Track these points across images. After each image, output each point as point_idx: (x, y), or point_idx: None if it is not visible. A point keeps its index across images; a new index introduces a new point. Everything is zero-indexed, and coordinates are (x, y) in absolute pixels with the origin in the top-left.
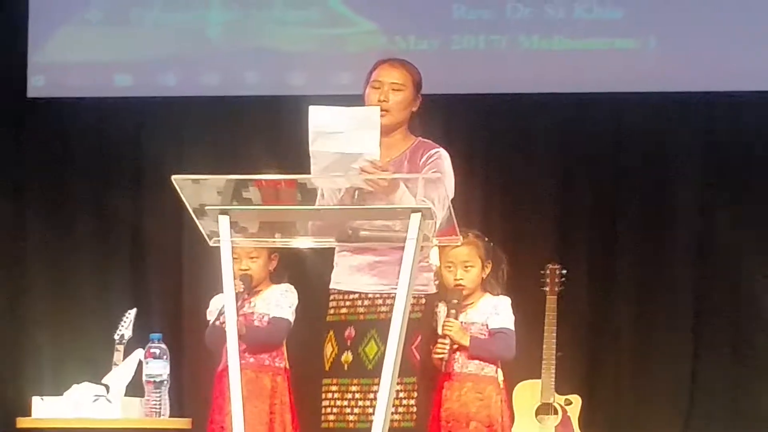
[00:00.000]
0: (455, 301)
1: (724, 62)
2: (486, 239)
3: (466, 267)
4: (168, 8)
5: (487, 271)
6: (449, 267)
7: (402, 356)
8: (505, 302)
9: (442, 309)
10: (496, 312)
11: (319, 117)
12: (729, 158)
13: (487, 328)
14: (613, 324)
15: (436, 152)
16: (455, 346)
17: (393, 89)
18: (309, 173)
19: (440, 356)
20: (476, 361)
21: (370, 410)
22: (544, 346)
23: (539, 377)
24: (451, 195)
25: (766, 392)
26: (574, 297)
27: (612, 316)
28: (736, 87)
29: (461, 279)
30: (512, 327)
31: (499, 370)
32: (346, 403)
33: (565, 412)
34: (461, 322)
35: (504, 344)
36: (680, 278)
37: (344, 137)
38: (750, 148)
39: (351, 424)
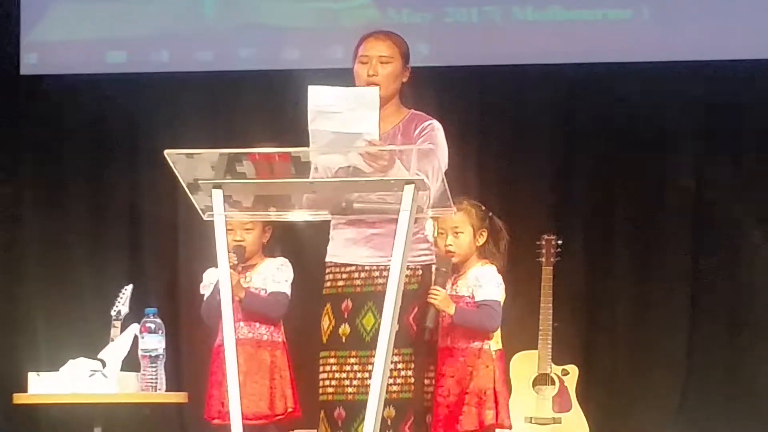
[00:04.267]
0: (443, 270)
1: (718, 30)
2: (483, 208)
3: (456, 233)
4: None
5: (482, 239)
6: (441, 233)
7: (399, 327)
8: (489, 272)
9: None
10: (479, 284)
11: (318, 97)
12: (726, 127)
13: (474, 300)
14: (610, 294)
15: (429, 124)
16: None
17: (381, 62)
18: (304, 147)
19: (427, 325)
20: (465, 336)
21: (369, 382)
22: (541, 317)
23: (536, 348)
24: (445, 167)
25: (763, 364)
26: (571, 268)
27: (608, 287)
28: (731, 55)
29: (451, 245)
30: (497, 298)
31: (490, 342)
32: (344, 375)
33: (562, 382)
34: (454, 293)
35: (487, 316)
36: (678, 249)
37: (344, 117)
38: (747, 116)
39: (350, 396)
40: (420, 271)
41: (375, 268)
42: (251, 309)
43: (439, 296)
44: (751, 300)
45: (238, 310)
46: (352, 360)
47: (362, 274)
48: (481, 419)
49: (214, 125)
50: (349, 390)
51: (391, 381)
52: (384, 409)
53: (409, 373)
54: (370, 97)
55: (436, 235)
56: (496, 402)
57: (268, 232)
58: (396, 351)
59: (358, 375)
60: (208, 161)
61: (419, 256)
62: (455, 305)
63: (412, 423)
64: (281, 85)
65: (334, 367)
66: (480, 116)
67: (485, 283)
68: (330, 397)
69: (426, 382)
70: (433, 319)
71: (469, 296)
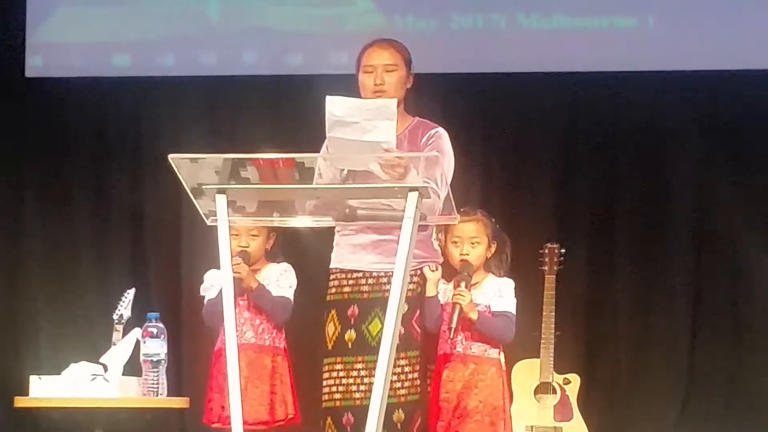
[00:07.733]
0: (467, 274)
1: (722, 40)
2: (492, 220)
3: (473, 243)
4: None
5: (492, 251)
6: (456, 242)
7: (404, 331)
8: (508, 285)
9: (443, 287)
10: (500, 294)
11: (336, 107)
12: (728, 136)
13: (490, 310)
14: (612, 303)
15: (435, 132)
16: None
17: (386, 71)
18: (307, 153)
19: (453, 326)
20: (479, 343)
21: None
22: (543, 326)
23: (538, 356)
24: (450, 174)
25: (764, 372)
26: (573, 276)
27: (611, 295)
28: (735, 65)
29: (467, 254)
30: (514, 311)
31: (501, 352)
32: (351, 381)
33: (563, 391)
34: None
35: (506, 326)
36: (679, 257)
37: (361, 127)
38: (749, 126)
39: (358, 402)
40: (420, 276)
41: (383, 274)
42: (260, 303)
43: (466, 299)
44: (754, 309)
45: (241, 314)
46: (359, 366)
47: (370, 280)
48: (495, 430)
49: (218, 129)
50: (357, 396)
51: (398, 384)
52: (393, 413)
53: (415, 375)
54: (388, 109)
55: (449, 244)
56: (504, 412)
57: (272, 238)
58: (402, 354)
59: (366, 380)
60: (212, 166)
61: (422, 261)
62: (477, 311)
63: (420, 425)
64: (285, 90)
65: (341, 373)
66: (484, 123)
67: (506, 294)
68: (338, 403)
69: (426, 382)
70: (457, 320)
71: (485, 306)
